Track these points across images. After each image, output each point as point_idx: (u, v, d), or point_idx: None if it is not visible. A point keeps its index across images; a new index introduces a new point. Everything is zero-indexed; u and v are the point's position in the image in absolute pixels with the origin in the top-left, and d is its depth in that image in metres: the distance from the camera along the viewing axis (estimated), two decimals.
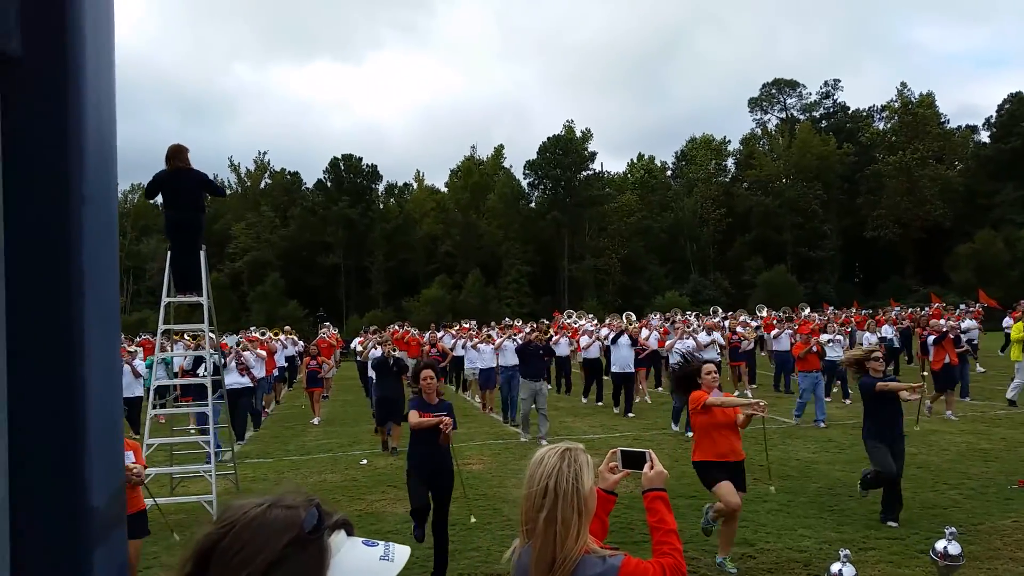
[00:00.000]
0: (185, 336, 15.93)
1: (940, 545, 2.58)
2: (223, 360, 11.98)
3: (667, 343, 14.60)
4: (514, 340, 15.90)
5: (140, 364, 15.62)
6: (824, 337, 15.15)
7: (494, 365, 16.87)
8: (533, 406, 13.12)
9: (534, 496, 2.37)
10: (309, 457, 12.59)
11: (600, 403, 17.53)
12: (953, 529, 2.67)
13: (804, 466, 10.48)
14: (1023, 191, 53.98)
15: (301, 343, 25.01)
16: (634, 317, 23.41)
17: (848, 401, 16.32)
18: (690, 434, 11.91)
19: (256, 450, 13.51)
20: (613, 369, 15.90)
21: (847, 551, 2.50)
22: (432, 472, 6.70)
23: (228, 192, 64.38)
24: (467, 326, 24.39)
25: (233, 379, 13.44)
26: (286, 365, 21.99)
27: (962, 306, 26.82)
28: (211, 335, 9.88)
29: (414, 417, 6.61)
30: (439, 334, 22.12)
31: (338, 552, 1.24)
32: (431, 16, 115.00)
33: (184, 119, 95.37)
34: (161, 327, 9.74)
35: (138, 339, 25.56)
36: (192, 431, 14.61)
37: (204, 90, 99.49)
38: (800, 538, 7.23)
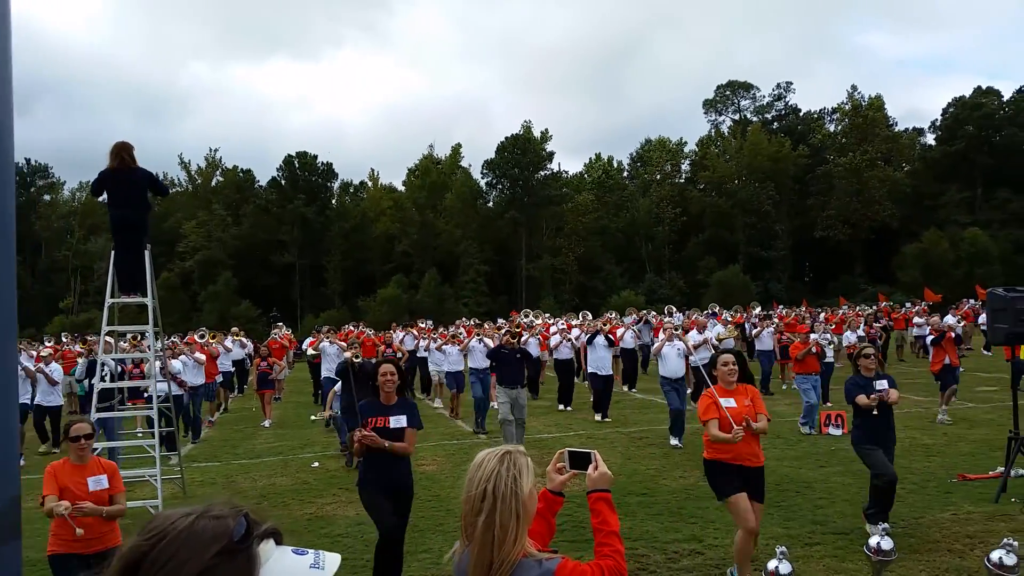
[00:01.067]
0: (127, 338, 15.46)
1: (873, 541, 2.63)
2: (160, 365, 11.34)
3: (655, 346, 13.11)
4: (482, 341, 15.07)
5: (56, 369, 14.17)
6: (812, 336, 14.08)
7: (461, 368, 16.02)
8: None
9: (473, 500, 2.35)
10: (259, 460, 12.39)
11: (567, 407, 16.55)
12: (886, 525, 2.73)
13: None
14: (966, 192, 55.61)
15: (251, 344, 23.99)
16: (591, 316, 23.37)
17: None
18: (675, 442, 11.80)
19: (204, 453, 13.26)
20: (589, 370, 15.13)
21: (783, 548, 2.53)
22: (389, 488, 6.00)
23: (178, 190, 63.29)
24: (423, 325, 24.19)
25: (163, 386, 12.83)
26: (232, 370, 20.59)
27: (908, 304, 27.48)
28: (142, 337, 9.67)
29: (357, 435, 5.88)
30: (399, 335, 21.34)
31: (267, 561, 1.24)
32: (391, 15, 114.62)
33: (140, 118, 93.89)
34: (105, 328, 9.49)
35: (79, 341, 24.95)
36: (139, 434, 14.33)
37: (161, 88, 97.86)
38: None
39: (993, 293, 8.23)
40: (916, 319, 23.77)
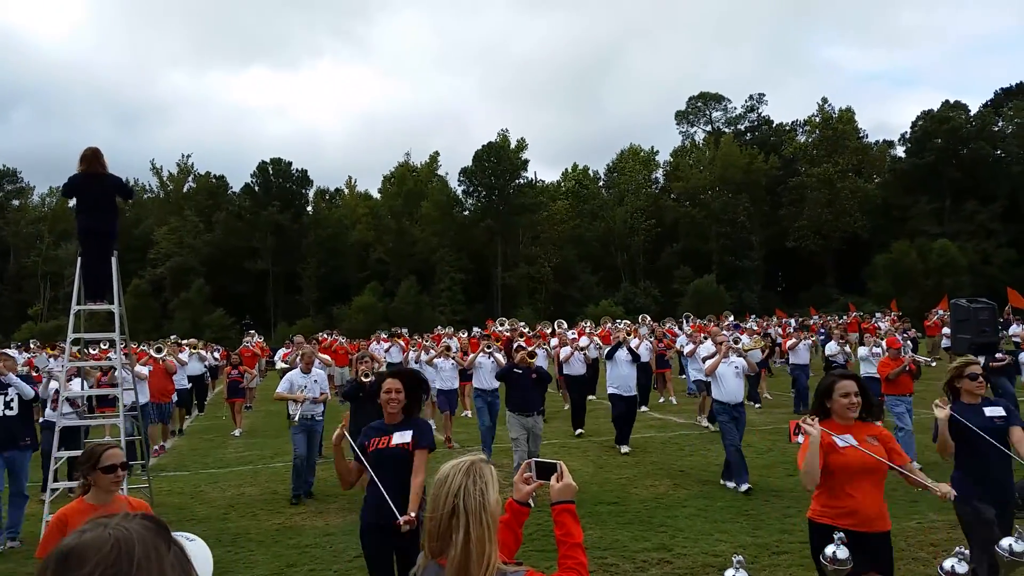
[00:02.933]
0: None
1: (829, 550, 2.66)
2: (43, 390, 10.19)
3: (708, 364, 10.23)
4: (492, 356, 12.50)
5: None
6: (908, 352, 11.70)
7: (456, 385, 14.20)
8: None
9: (441, 518, 2.34)
10: (228, 470, 12.24)
11: (580, 431, 14.29)
12: (841, 534, 2.77)
13: (722, 471, 10.68)
14: (936, 204, 56.48)
15: (215, 355, 22.62)
16: (565, 324, 23.27)
17: (758, 406, 16.67)
18: (735, 485, 9.47)
19: (173, 463, 13.08)
20: (611, 390, 12.57)
21: (740, 557, 2.55)
22: (389, 528, 4.54)
23: (150, 196, 62.80)
24: (402, 334, 24.02)
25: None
26: (189, 386, 17.66)
27: (878, 315, 27.82)
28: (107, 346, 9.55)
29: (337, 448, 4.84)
30: (382, 346, 20.13)
31: None
32: (370, 25, 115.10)
33: (117, 125, 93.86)
34: (71, 335, 9.35)
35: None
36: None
37: (139, 96, 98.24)
38: (716, 543, 7.36)
39: (956, 304, 8.35)
40: (945, 329, 23.21)
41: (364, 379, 8.54)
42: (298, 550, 7.70)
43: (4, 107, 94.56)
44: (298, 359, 11.27)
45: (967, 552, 2.61)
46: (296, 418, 9.88)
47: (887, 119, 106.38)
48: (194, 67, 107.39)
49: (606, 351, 13.14)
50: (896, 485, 9.35)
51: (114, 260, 9.13)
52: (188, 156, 63.06)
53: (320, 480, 10.90)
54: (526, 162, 60.56)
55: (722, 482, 9.76)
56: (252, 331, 26.08)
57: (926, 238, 52.42)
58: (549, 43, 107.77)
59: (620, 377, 12.44)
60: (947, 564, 2.62)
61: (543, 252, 58.81)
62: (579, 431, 14.33)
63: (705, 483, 9.97)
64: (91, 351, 16.80)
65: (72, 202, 9.21)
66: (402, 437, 4.77)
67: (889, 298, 38.55)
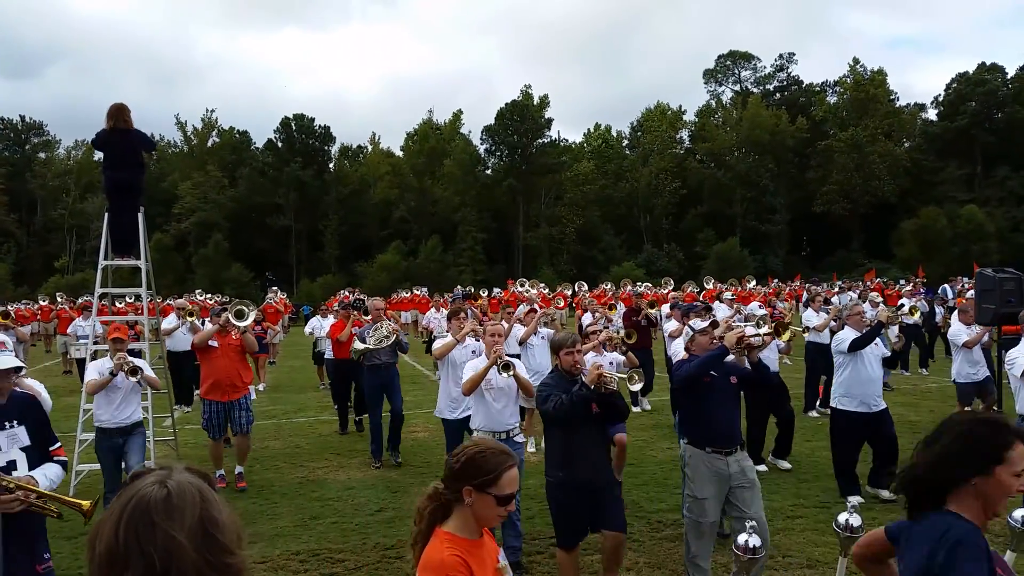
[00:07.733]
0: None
1: (843, 517, 2.70)
2: None
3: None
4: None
5: None
6: None
7: None
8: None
9: None
10: (252, 424, 12.45)
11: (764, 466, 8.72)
12: (855, 503, 2.81)
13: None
14: (967, 169, 55.42)
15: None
16: (586, 287, 23.12)
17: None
18: None
19: (198, 416, 13.30)
20: (841, 402, 7.69)
21: (753, 522, 2.60)
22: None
23: (175, 150, 63.15)
24: (419, 293, 23.97)
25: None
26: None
27: (902, 281, 27.53)
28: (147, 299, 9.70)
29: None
30: (437, 314, 16.35)
31: None
32: None
33: (150, 84, 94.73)
34: (98, 290, 9.52)
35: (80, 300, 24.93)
36: None
37: (175, 58, 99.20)
38: None
39: (982, 273, 8.25)
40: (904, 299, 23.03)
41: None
42: (321, 503, 7.87)
43: (40, 64, 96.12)
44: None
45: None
46: None
47: (913, 85, 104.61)
48: (229, 28, 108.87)
49: (847, 341, 7.64)
50: None
51: (140, 216, 9.25)
52: (212, 111, 63.13)
53: (340, 436, 11.12)
54: (550, 121, 60.00)
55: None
56: (275, 287, 26.32)
57: (955, 204, 51.52)
58: (574, 3, 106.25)
59: (866, 382, 7.56)
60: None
61: (567, 213, 58.45)
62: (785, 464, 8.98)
63: None
64: (118, 305, 17.17)
65: (98, 156, 9.30)
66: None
67: (916, 264, 38.10)
